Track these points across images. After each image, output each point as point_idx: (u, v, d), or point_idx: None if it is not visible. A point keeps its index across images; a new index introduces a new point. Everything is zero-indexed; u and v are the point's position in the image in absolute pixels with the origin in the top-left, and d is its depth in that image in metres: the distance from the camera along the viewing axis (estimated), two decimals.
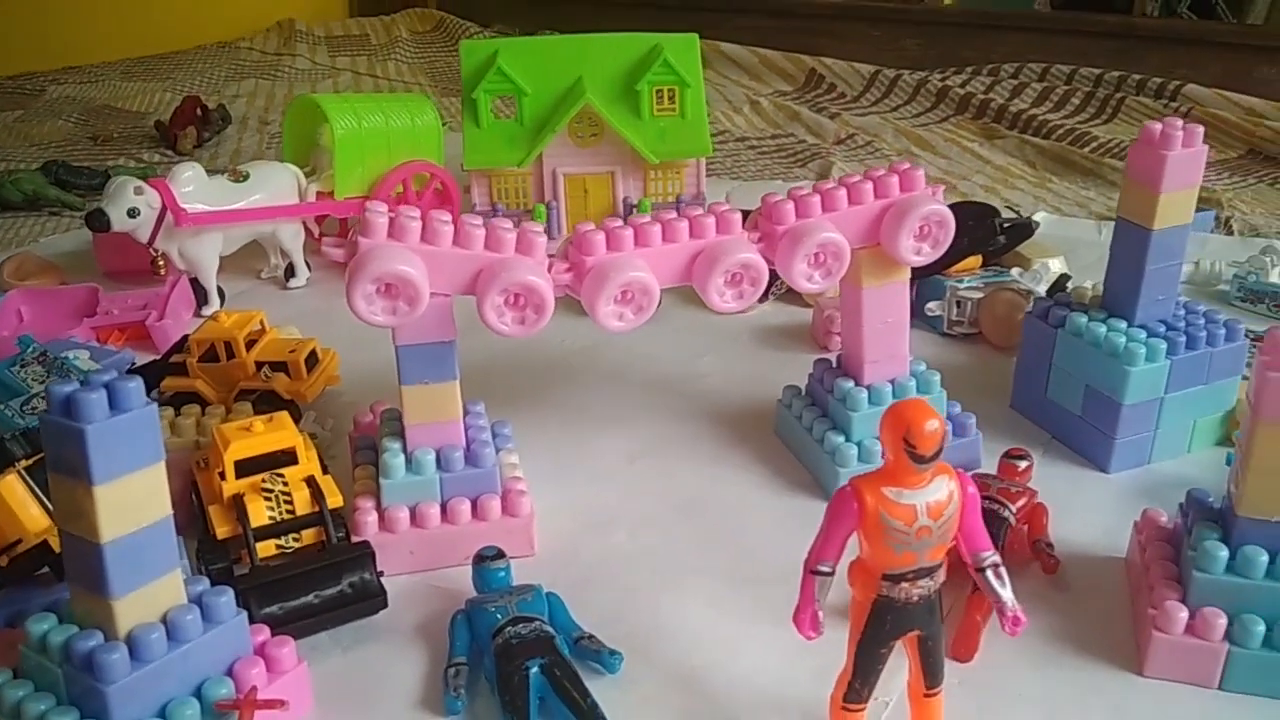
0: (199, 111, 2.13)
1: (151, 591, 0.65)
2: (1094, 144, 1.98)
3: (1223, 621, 0.72)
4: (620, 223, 0.86)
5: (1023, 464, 0.93)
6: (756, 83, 2.55)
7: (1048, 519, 0.89)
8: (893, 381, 0.97)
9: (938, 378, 0.98)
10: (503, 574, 0.80)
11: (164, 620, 0.65)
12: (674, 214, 0.88)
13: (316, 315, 1.33)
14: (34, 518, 0.76)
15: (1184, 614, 0.73)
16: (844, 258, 0.89)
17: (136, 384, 0.63)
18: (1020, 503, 0.89)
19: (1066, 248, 1.42)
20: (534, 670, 0.71)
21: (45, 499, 0.76)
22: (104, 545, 0.61)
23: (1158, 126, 0.94)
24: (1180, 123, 0.93)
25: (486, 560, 0.80)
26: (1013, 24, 2.57)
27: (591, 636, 0.77)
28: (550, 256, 0.85)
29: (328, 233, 1.54)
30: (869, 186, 0.90)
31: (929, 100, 2.32)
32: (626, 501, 0.96)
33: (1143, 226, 0.96)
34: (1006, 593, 0.61)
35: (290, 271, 1.43)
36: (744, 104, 2.34)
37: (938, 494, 0.58)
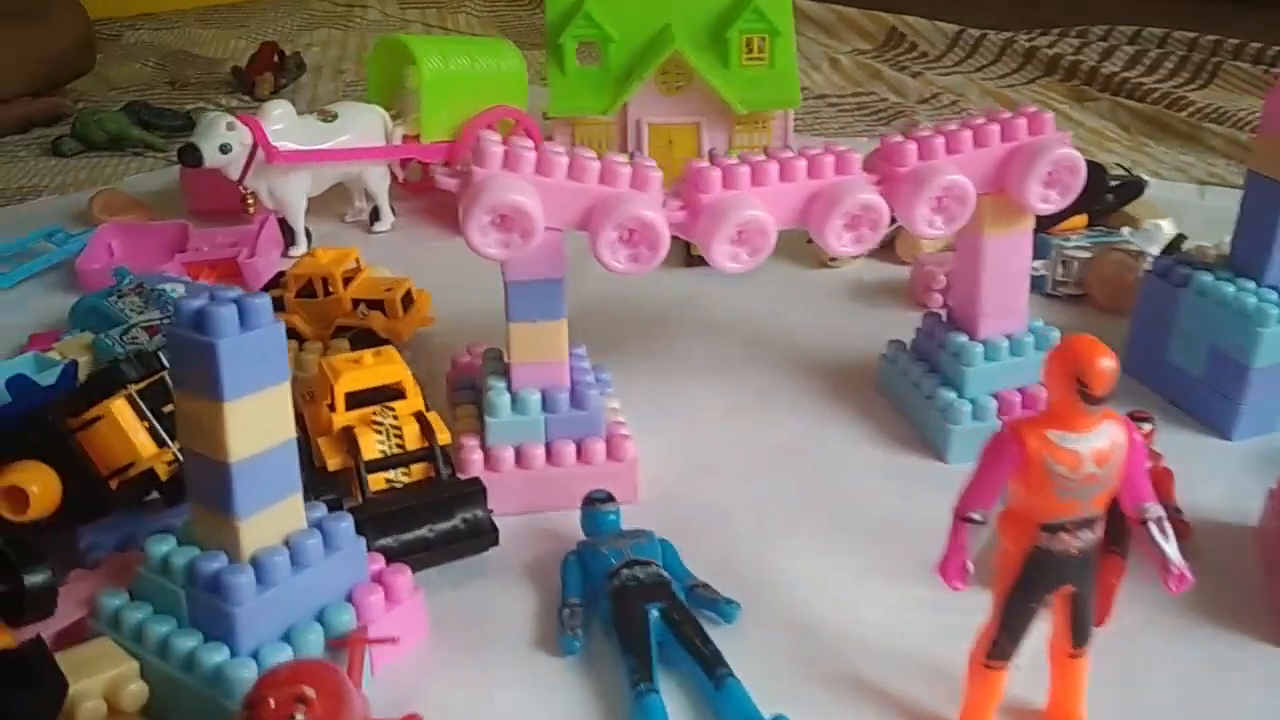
0: (276, 58, 2.12)
1: (275, 514, 0.64)
2: (1191, 108, 1.90)
3: None
4: (735, 160, 0.83)
5: (1146, 426, 0.88)
6: (835, 40, 2.49)
7: (1174, 485, 0.86)
8: (1009, 337, 0.93)
9: (1056, 334, 0.94)
10: (613, 517, 0.79)
11: (286, 544, 0.64)
12: (790, 152, 0.84)
13: (402, 259, 1.31)
14: (144, 442, 0.75)
15: None
16: (969, 203, 0.85)
17: (265, 300, 0.61)
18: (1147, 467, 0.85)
19: (1173, 210, 1.36)
20: (654, 614, 0.69)
21: (156, 424, 0.76)
22: (232, 464, 0.61)
23: None
24: None
25: (597, 503, 0.78)
26: None
27: (706, 585, 0.75)
28: (664, 194, 0.82)
29: (411, 179, 1.53)
30: (995, 129, 0.87)
31: (1015, 61, 2.25)
32: (726, 451, 0.94)
33: (1277, 180, 0.91)
34: (1171, 548, 0.58)
35: (375, 215, 1.42)
36: (822, 61, 2.28)
37: (1102, 440, 0.55)
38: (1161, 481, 0.85)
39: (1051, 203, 0.87)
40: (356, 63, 2.38)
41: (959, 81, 2.14)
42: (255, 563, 0.63)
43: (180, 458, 0.74)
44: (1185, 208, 1.45)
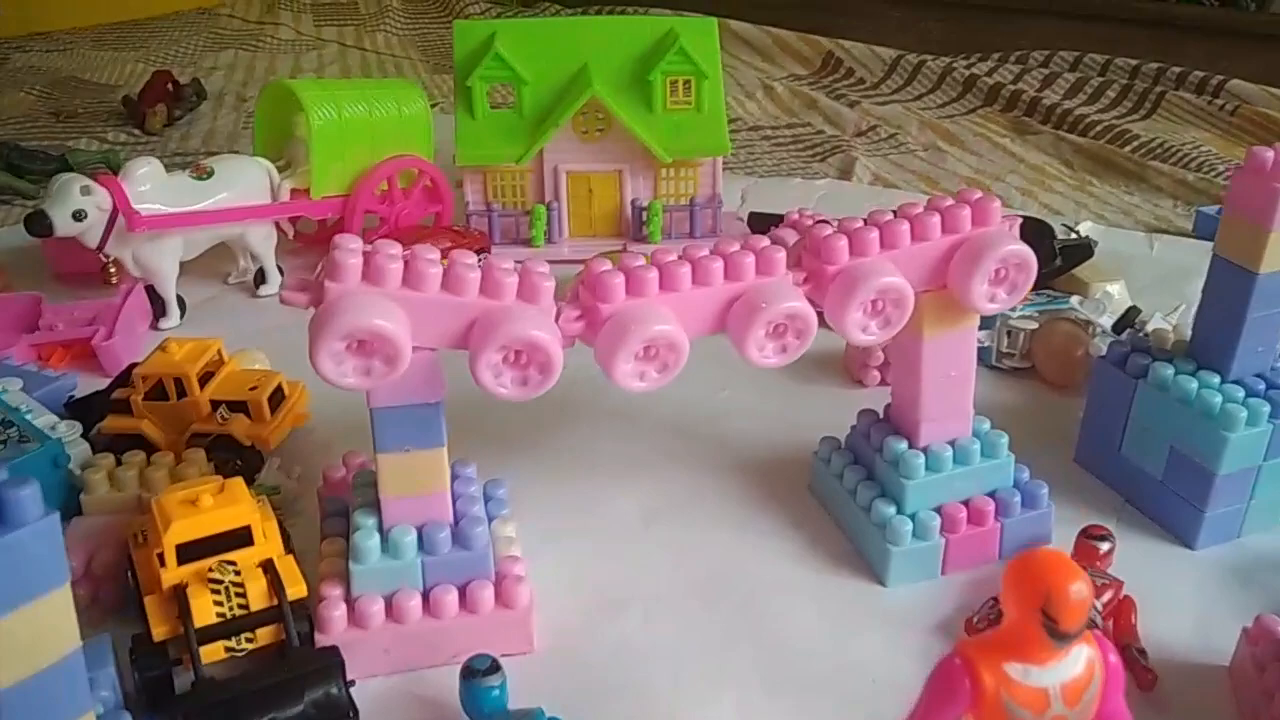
0: (170, 87, 1.97)
1: None
2: (1135, 143, 1.84)
3: None
4: (641, 261, 0.72)
5: (1104, 545, 0.80)
6: (770, 65, 2.39)
7: (1136, 616, 0.76)
8: (953, 443, 0.83)
9: (1005, 440, 0.84)
10: (497, 692, 0.67)
11: None
12: (704, 251, 0.73)
13: (289, 330, 1.17)
14: None
15: None
16: (907, 306, 0.75)
17: (31, 490, 0.49)
18: (1105, 597, 0.76)
19: (1119, 264, 1.29)
20: None
21: None
22: None
23: (1268, 154, 0.80)
24: None
25: (478, 675, 0.66)
26: (1041, 8, 2.41)
27: None
28: (557, 301, 0.71)
29: (304, 230, 1.39)
30: (935, 220, 0.76)
31: (955, 89, 2.17)
32: (640, 577, 0.83)
33: (1246, 269, 0.82)
34: None
35: (261, 277, 1.29)
36: (757, 89, 2.18)
37: (1074, 669, 0.45)
38: (1123, 614, 0.76)
39: (999, 302, 0.77)
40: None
41: (897, 112, 2.06)
42: None
43: None
44: (1134, 260, 1.37)
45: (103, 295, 1.19)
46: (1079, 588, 0.42)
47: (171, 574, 0.68)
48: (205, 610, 0.67)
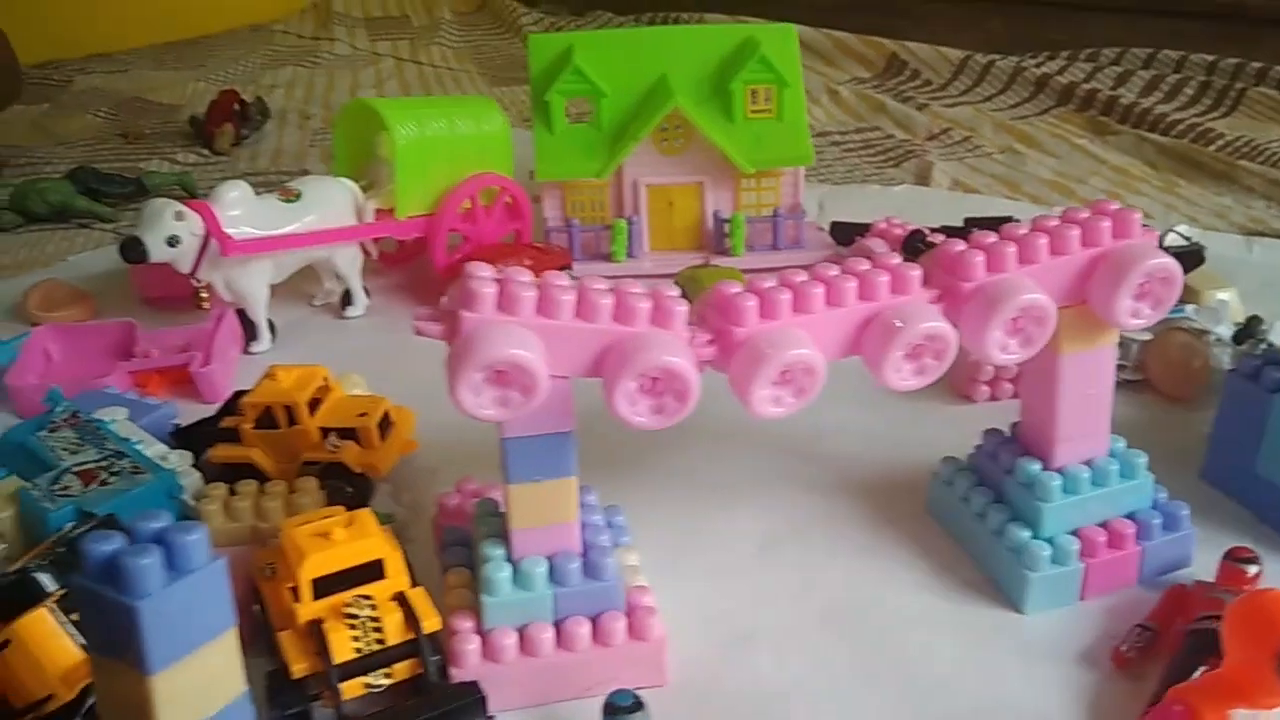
0: (236, 106, 1.98)
1: None
2: (1220, 142, 1.79)
3: None
4: (773, 283, 0.70)
5: (1253, 569, 0.76)
6: (832, 69, 2.36)
7: None
8: (1089, 464, 0.80)
9: (1143, 460, 0.81)
10: None
11: None
12: (836, 270, 0.71)
13: (379, 352, 1.18)
14: (68, 654, 0.61)
15: None
16: (1049, 324, 0.72)
17: (199, 535, 0.48)
18: None
19: (1229, 273, 1.24)
20: None
21: (80, 630, 0.62)
22: None
23: None
24: None
25: (622, 712, 0.64)
26: (1108, 4, 2.36)
27: None
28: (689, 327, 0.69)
29: (386, 250, 1.39)
30: (1075, 232, 0.74)
31: (1026, 90, 2.13)
32: (763, 607, 0.81)
33: None
34: None
35: (347, 299, 1.28)
36: (821, 93, 2.15)
37: None
38: None
39: (1142, 318, 0.74)
40: (324, 106, 2.24)
41: (969, 114, 2.02)
42: None
43: None
44: (1233, 264, 1.33)
45: (193, 320, 1.19)
46: None
47: (307, 609, 0.67)
48: (343, 646, 0.66)
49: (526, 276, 0.65)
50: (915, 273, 0.71)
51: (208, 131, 1.94)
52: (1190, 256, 1.14)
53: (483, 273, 0.65)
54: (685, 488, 0.95)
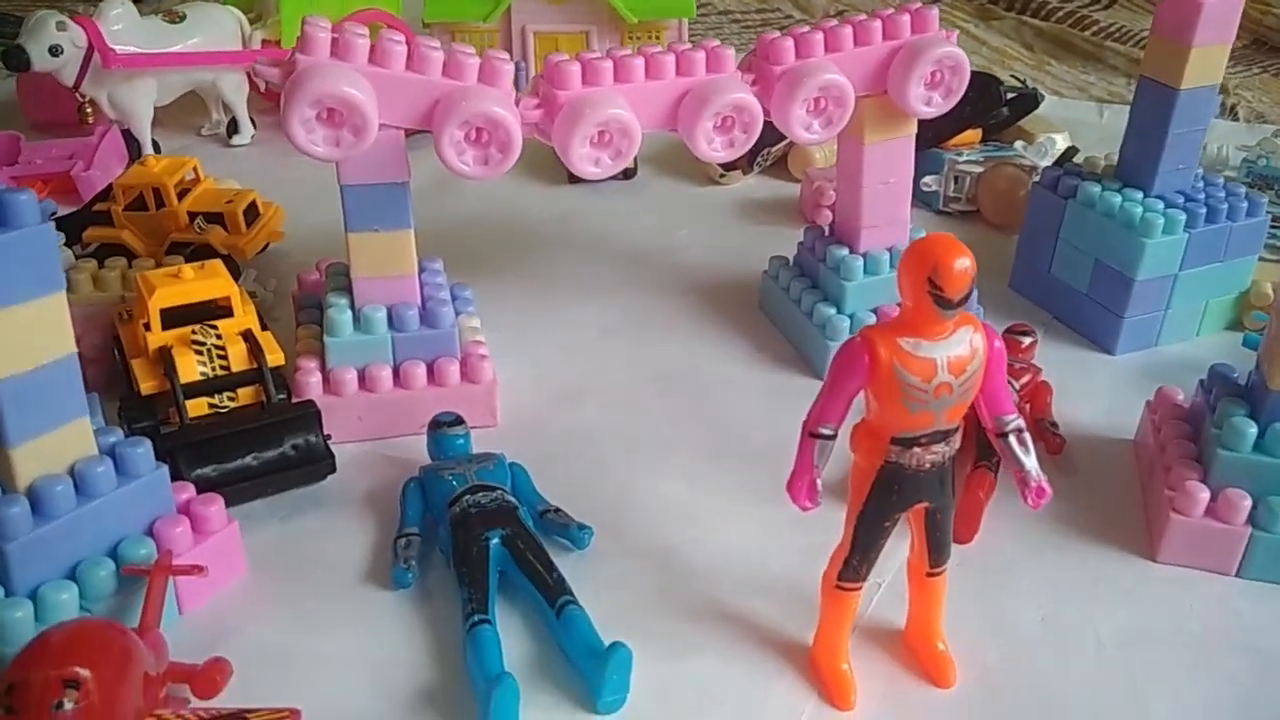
0: None
1: (55, 439, 0.57)
2: (1094, 27, 1.88)
3: (1247, 503, 0.66)
4: (598, 55, 0.77)
5: (1026, 340, 0.86)
6: None
7: (1051, 398, 0.83)
8: (890, 249, 0.89)
9: None
10: (461, 441, 0.73)
11: (71, 472, 0.57)
12: (658, 48, 0.78)
13: (263, 176, 1.21)
14: None
15: (1205, 495, 0.67)
16: (848, 104, 0.80)
17: (27, 196, 0.53)
18: (1024, 380, 0.82)
19: (1068, 128, 1.33)
20: (494, 541, 0.64)
21: None
22: None
23: None
24: None
25: (443, 426, 0.72)
26: None
27: (559, 510, 0.70)
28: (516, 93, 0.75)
29: (274, 88, 1.41)
30: (877, 25, 0.81)
31: None
32: (597, 375, 0.89)
33: (1169, 85, 0.87)
34: (1031, 460, 0.54)
35: (233, 127, 1.32)
36: None
37: (960, 347, 0.51)
38: (1039, 396, 0.83)
39: (934, 105, 0.82)
40: None
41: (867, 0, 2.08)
42: (32, 493, 0.55)
43: None
44: (1083, 125, 1.42)
45: (77, 138, 1.21)
46: (962, 260, 0.48)
47: (156, 337, 0.73)
48: (189, 368, 0.72)
49: (362, 29, 0.71)
50: (729, 53, 0.78)
51: None
52: (1025, 100, 1.23)
53: (321, 22, 0.70)
54: (537, 284, 1.02)
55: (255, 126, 1.33)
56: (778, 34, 0.81)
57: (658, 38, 1.45)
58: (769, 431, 0.81)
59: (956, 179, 1.16)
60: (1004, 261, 1.06)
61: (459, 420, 0.73)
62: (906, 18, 0.81)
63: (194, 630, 0.59)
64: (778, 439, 0.80)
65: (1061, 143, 1.22)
